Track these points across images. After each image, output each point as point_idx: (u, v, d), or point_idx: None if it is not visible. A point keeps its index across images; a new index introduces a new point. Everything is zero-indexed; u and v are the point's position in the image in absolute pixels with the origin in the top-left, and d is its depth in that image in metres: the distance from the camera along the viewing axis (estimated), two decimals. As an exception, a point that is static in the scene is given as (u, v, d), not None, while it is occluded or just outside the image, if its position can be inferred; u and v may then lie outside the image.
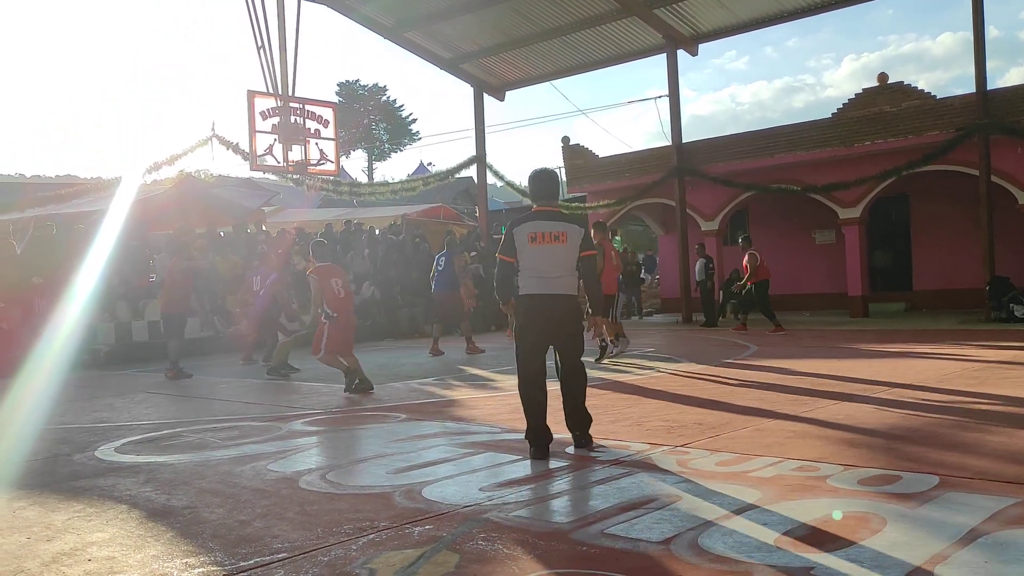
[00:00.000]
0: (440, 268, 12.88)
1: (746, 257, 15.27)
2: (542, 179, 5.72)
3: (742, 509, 3.93)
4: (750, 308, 15.73)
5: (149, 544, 3.84)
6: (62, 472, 5.55)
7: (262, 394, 9.55)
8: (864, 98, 18.01)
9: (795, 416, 6.40)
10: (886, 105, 17.51)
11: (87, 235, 15.07)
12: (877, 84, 18.01)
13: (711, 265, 18.31)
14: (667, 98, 20.37)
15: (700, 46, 20.25)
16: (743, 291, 15.58)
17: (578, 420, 5.56)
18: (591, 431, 5.61)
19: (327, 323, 8.87)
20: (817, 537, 3.48)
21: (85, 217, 16.66)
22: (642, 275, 24.74)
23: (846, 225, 18.61)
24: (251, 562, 3.49)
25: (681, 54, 20.05)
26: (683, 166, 20.03)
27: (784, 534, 3.52)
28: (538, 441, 5.38)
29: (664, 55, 20.05)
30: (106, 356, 14.23)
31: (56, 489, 5.04)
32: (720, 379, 8.96)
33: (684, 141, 20.36)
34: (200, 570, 3.42)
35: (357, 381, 8.86)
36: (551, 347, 5.51)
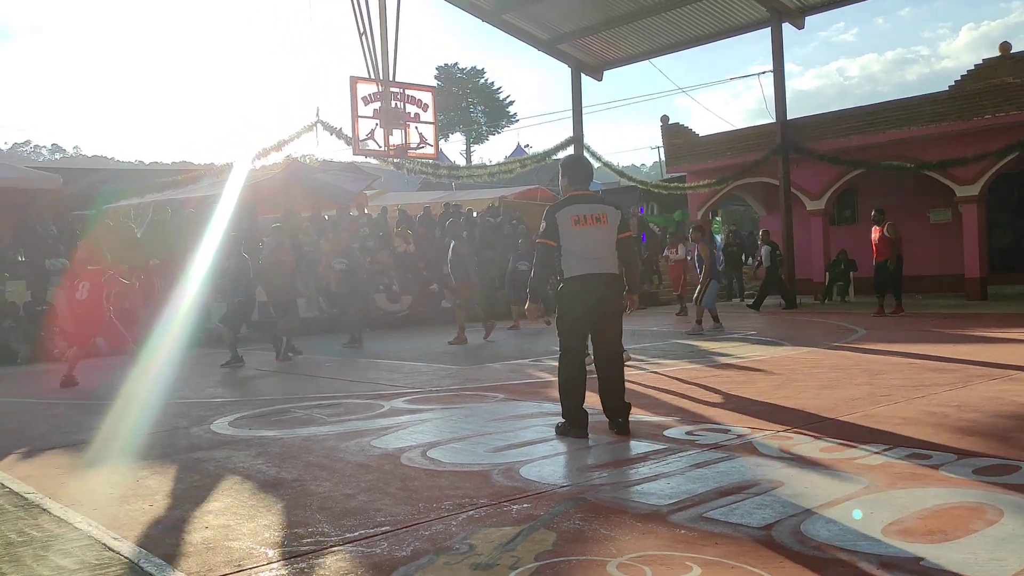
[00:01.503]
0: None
1: (885, 230, 14.07)
2: (577, 165, 5.89)
3: (848, 497, 3.82)
4: (899, 285, 14.46)
5: (261, 514, 4.02)
6: (181, 444, 5.86)
7: (365, 372, 9.82)
8: (984, 69, 17.03)
9: (905, 402, 6.16)
10: (1008, 76, 16.52)
11: (200, 219, 15.76)
12: (999, 54, 16.98)
13: (778, 251, 17.68)
14: (771, 74, 19.77)
15: (807, 18, 19.51)
16: (889, 266, 14.20)
17: (620, 405, 5.55)
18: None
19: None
20: (927, 528, 3.36)
21: (199, 202, 17.42)
22: (744, 257, 24.20)
23: (963, 203, 17.71)
24: (356, 534, 3.61)
25: (786, 27, 19.38)
26: (787, 144, 19.42)
27: (892, 524, 3.41)
28: (581, 421, 5.46)
29: (768, 29, 19.43)
30: (219, 335, 14.87)
31: (175, 460, 5.33)
32: (826, 363, 8.70)
33: (789, 118, 19.72)
34: (308, 540, 3.56)
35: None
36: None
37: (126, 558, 3.47)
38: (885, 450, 4.68)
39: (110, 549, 3.58)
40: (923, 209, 20.04)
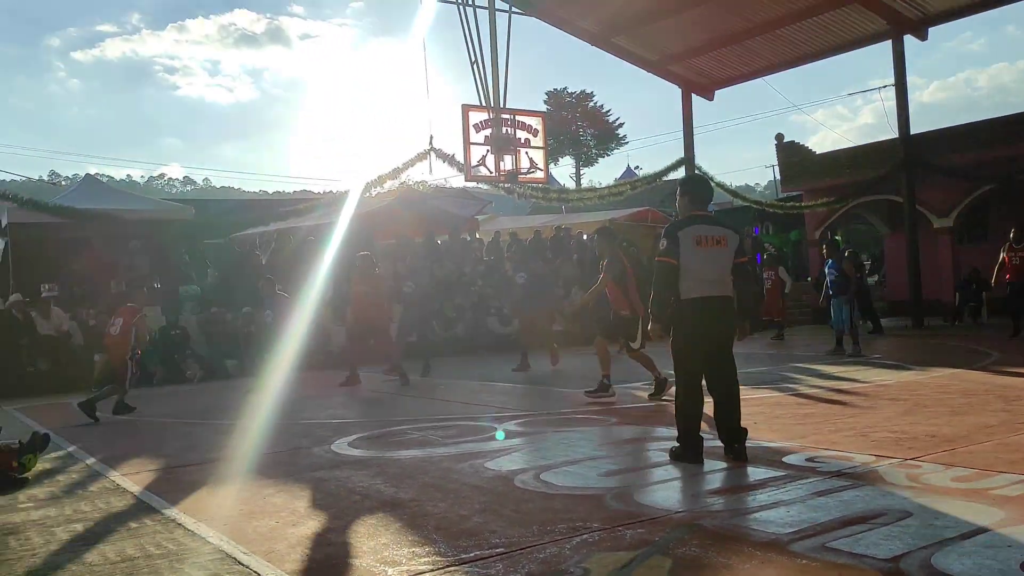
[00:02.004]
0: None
1: None
2: (699, 184, 5.88)
3: (982, 529, 3.62)
4: None
5: (380, 532, 4.13)
6: (303, 463, 6.08)
7: (479, 395, 9.94)
8: None
9: (1047, 431, 5.78)
10: None
11: (319, 245, 16.37)
12: None
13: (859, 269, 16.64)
14: (891, 87, 19.05)
15: (929, 29, 18.74)
16: None
17: (736, 430, 5.41)
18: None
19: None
20: (1074, 565, 3.14)
21: (320, 229, 18.11)
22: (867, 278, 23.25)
23: (1108, 218, 16.52)
24: (471, 555, 3.66)
25: (908, 40, 18.65)
26: (911, 159, 18.61)
27: (1033, 559, 3.21)
28: (697, 446, 5.35)
29: (888, 42, 18.74)
30: (337, 357, 15.36)
31: (298, 479, 5.54)
32: (956, 388, 8.25)
33: (912, 132, 18.92)
34: (425, 560, 3.64)
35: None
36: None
37: (255, 572, 3.63)
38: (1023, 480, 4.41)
39: (239, 563, 3.75)
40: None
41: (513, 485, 4.99)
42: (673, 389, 7.89)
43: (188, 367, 14.07)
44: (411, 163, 16.74)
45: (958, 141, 18.39)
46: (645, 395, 8.97)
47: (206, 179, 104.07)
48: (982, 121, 18.63)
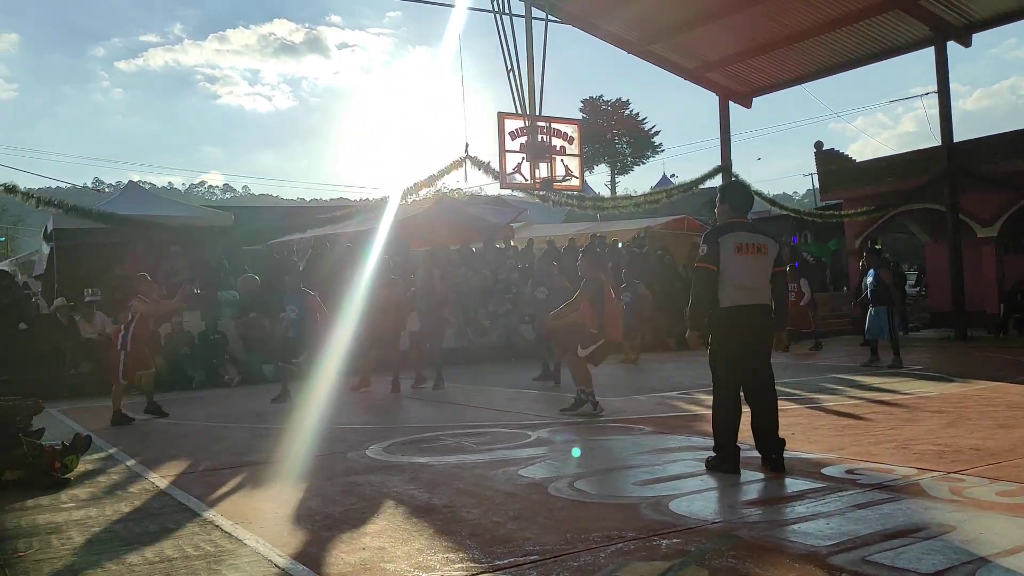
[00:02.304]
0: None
1: None
2: (740, 191, 5.82)
3: (1030, 546, 3.53)
4: None
5: (414, 538, 4.14)
6: (339, 468, 6.12)
7: (512, 402, 9.93)
8: None
9: (1096, 446, 5.63)
10: None
11: (356, 252, 16.50)
12: None
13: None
14: (934, 95, 18.73)
15: (973, 36, 18.41)
16: None
17: (774, 441, 5.34)
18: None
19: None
20: (1126, 584, 3.05)
21: (356, 236, 18.25)
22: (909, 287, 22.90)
23: None
24: (505, 561, 3.65)
25: (951, 46, 18.34)
26: (954, 167, 18.28)
27: (1083, 577, 3.12)
28: (734, 456, 5.29)
29: (931, 49, 18.45)
30: (375, 363, 15.43)
31: (334, 483, 5.57)
32: (1001, 401, 8.07)
33: (955, 140, 18.59)
34: (459, 565, 3.64)
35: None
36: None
37: (291, 574, 3.65)
38: (1073, 497, 4.29)
39: (276, 566, 3.78)
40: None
41: (547, 493, 4.98)
42: (583, 408, 7.90)
43: (226, 371, 14.24)
44: (447, 171, 16.81)
45: (1003, 149, 18.03)
46: (680, 404, 8.90)
47: (245, 187, 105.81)
48: (1025, 129, 18.25)
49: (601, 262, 8.44)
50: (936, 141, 18.94)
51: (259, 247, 19.26)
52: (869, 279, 12.30)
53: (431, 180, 16.67)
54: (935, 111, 18.72)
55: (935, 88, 18.68)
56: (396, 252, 17.19)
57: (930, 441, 6.07)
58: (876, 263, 12.40)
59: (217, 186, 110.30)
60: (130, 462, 6.83)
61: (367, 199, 20.87)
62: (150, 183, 67.92)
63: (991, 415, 7.18)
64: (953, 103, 18.71)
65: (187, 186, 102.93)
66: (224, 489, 5.59)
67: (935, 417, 7.20)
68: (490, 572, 3.53)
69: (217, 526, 4.55)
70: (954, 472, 5.00)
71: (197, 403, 11.55)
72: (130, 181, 23.96)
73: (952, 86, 18.75)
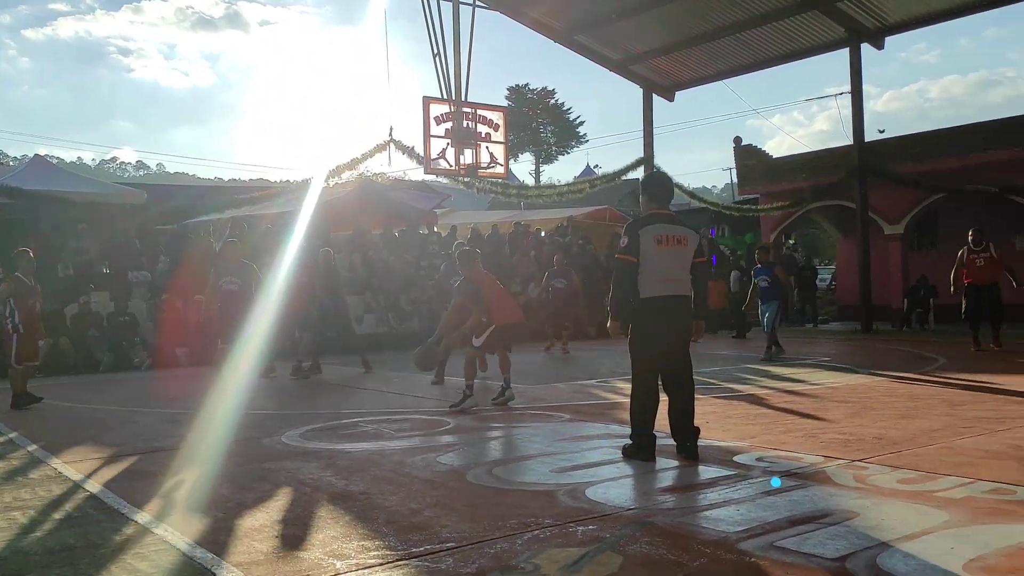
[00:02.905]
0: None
1: (993, 250, 12.52)
2: (660, 183, 5.81)
3: (927, 531, 3.68)
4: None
5: (329, 525, 4.08)
6: (253, 454, 5.98)
7: (433, 389, 9.89)
8: (1076, 90, 16.38)
9: (988, 435, 5.92)
10: (1103, 97, 15.84)
11: (276, 234, 16.15)
12: (1091, 75, 16.33)
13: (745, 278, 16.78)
14: (848, 95, 19.39)
15: (887, 39, 19.11)
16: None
17: (688, 429, 5.46)
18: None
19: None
20: (1012, 566, 3.22)
21: (275, 218, 17.87)
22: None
23: (1051, 229, 17.02)
24: (422, 549, 3.63)
25: (865, 48, 19.00)
26: (865, 166, 18.97)
27: (974, 560, 3.28)
28: (650, 444, 5.38)
29: (846, 50, 19.07)
30: (292, 347, 15.16)
31: (248, 470, 5.45)
32: (903, 392, 8.42)
33: (866, 140, 19.28)
34: (375, 553, 3.60)
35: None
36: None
37: (200, 564, 3.55)
38: (967, 483, 4.50)
39: (184, 554, 3.67)
40: (1008, 235, 19.31)
41: (466, 480, 4.97)
42: (467, 403, 7.84)
43: (136, 354, 13.78)
44: (370, 154, 16.61)
45: (910, 150, 18.77)
46: (599, 392, 9.01)
47: (160, 164, 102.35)
48: (933, 131, 19.05)
49: (472, 257, 8.37)
50: (848, 140, 19.62)
51: (174, 227, 18.67)
52: (761, 278, 12.52)
53: (354, 163, 16.46)
54: (848, 111, 19.41)
55: (849, 88, 19.34)
56: (317, 236, 16.90)
57: (836, 430, 6.29)
58: (769, 262, 12.73)
59: (130, 163, 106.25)
60: (32, 447, 6.55)
61: (288, 180, 20.42)
62: (57, 157, 65.00)
63: (893, 406, 7.48)
64: (865, 104, 19.42)
65: (97, 161, 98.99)
66: (131, 475, 5.41)
67: (841, 407, 7.47)
68: (406, 559, 3.50)
69: (123, 514, 4.40)
70: (858, 460, 5.19)
71: (105, 387, 11.16)
72: (36, 155, 22.86)
73: (864, 87, 19.45)
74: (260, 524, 4.13)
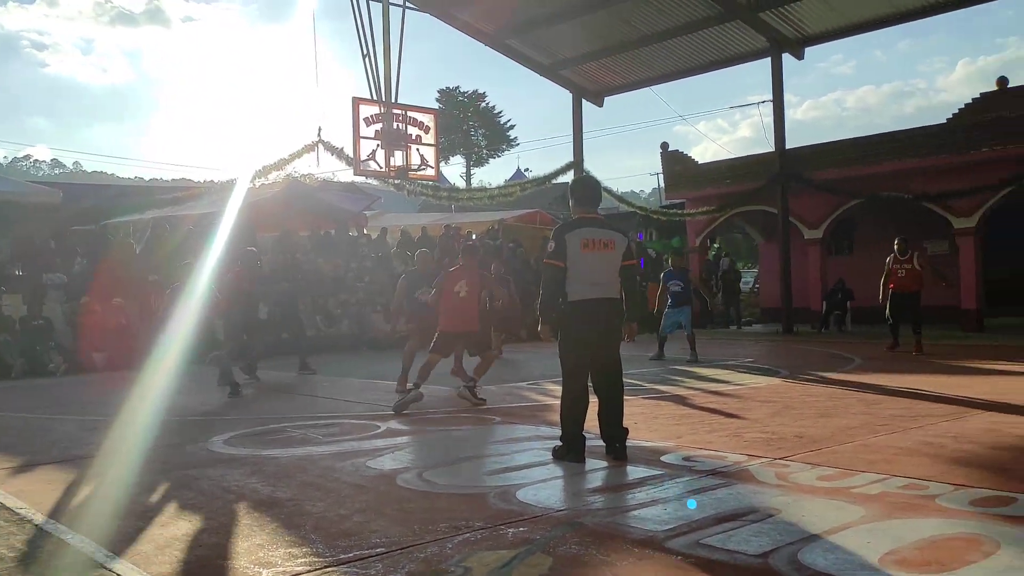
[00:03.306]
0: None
1: (915, 260, 12.93)
2: (587, 186, 5.84)
3: (845, 526, 3.81)
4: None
5: (255, 533, 4.00)
6: (176, 462, 5.83)
7: (362, 393, 9.79)
8: (981, 103, 17.18)
9: (902, 432, 6.16)
10: (1005, 111, 16.64)
11: (199, 236, 15.78)
12: (996, 88, 17.14)
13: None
14: (770, 103, 19.97)
15: (806, 50, 19.72)
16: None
17: (617, 430, 5.53)
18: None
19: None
20: (924, 558, 3.35)
21: (199, 219, 17.45)
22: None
23: (960, 235, 17.79)
24: (350, 555, 3.59)
25: (786, 58, 19.58)
26: (786, 172, 19.54)
27: (889, 553, 3.40)
28: (579, 445, 5.44)
29: (768, 59, 19.63)
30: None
31: (170, 478, 5.30)
32: (822, 392, 8.69)
33: (787, 147, 19.85)
34: (302, 560, 3.54)
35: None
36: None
37: (118, 575, 3.44)
38: (882, 479, 4.67)
39: (102, 566, 3.56)
40: (920, 240, 20.08)
41: (395, 484, 4.93)
42: (406, 398, 7.89)
43: (51, 359, 13.29)
44: (298, 154, 16.36)
45: (827, 157, 19.39)
46: (530, 394, 9.05)
47: (76, 163, 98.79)
48: (849, 140, 19.69)
49: (473, 252, 8.47)
50: (770, 147, 20.17)
51: (92, 227, 18.06)
52: (673, 282, 12.73)
53: (281, 164, 16.18)
54: (770, 119, 19.97)
55: (771, 97, 19.91)
56: (242, 237, 16.57)
57: (759, 429, 6.45)
58: (682, 268, 13.03)
59: (44, 161, 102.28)
60: (-64, 458, 6.24)
61: (212, 181, 19.96)
62: (-34, 154, 62.15)
63: (813, 405, 7.72)
64: (786, 112, 20.01)
65: (9, 159, 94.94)
66: (46, 485, 5.21)
67: (764, 407, 7.67)
68: (334, 566, 3.46)
69: (37, 525, 4.23)
70: (780, 458, 5.33)
71: (17, 393, 10.72)
72: (-58, 151, 21.81)
73: (785, 96, 20.04)
74: (182, 533, 4.03)
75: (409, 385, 8.19)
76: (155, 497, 4.78)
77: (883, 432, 6.18)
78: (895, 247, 13.10)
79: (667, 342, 13.17)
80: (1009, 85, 17.01)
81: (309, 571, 3.41)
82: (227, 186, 16.56)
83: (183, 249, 15.28)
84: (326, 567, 3.45)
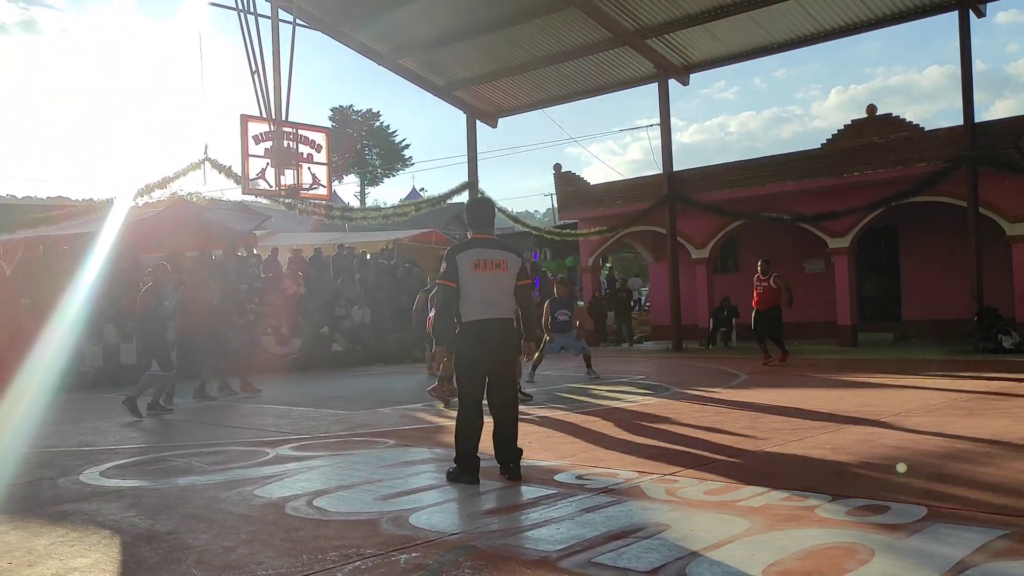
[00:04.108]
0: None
1: (772, 280, 13.96)
2: (480, 207, 5.86)
3: (731, 539, 3.91)
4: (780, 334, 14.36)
5: (131, 570, 3.80)
6: (45, 496, 5.49)
7: (250, 419, 9.49)
8: (853, 129, 18.20)
9: (783, 445, 6.39)
10: (875, 136, 17.69)
11: (76, 257, 15.02)
12: (866, 115, 18.20)
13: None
14: (658, 126, 20.57)
15: (691, 76, 20.48)
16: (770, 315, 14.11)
17: (511, 450, 5.55)
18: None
19: None
20: (804, 568, 3.47)
21: (76, 239, 16.62)
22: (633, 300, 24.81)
23: (835, 255, 18.73)
24: (235, 589, 3.45)
25: (672, 84, 20.26)
26: (674, 194, 20.17)
27: (772, 565, 3.51)
28: (473, 467, 5.42)
29: (655, 84, 20.26)
30: (93, 379, 14.13)
31: (39, 513, 4.98)
32: (710, 407, 8.95)
33: (675, 169, 20.50)
34: (183, 597, 3.38)
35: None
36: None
37: (-22, 623, 3.20)
38: (765, 492, 4.83)
39: (-40, 613, 3.30)
40: (799, 259, 21.07)
41: (284, 513, 4.78)
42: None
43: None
44: (183, 172, 15.84)
45: (712, 180, 20.13)
46: (424, 416, 8.97)
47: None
48: (732, 163, 20.51)
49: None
50: (659, 169, 20.78)
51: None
52: (561, 312, 12.83)
53: (165, 182, 15.61)
54: (658, 142, 20.58)
55: (659, 121, 20.52)
56: (123, 258, 15.91)
57: (649, 445, 6.58)
58: (570, 296, 13.27)
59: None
60: None
61: (91, 199, 19.04)
62: None
63: (700, 420, 7.93)
64: (673, 135, 20.69)
65: None
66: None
67: (654, 423, 7.83)
68: (217, 602, 3.32)
69: None
70: (669, 474, 5.45)
71: None
72: None
73: (672, 120, 20.71)
74: (53, 573, 3.78)
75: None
76: (22, 535, 4.48)
77: (766, 445, 6.40)
78: (758, 267, 14.08)
79: (560, 362, 13.30)
80: (878, 112, 18.08)
81: (190, 608, 3.25)
82: (106, 205, 15.87)
83: (57, 271, 14.53)
84: (208, 603, 3.30)
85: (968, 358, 14.48)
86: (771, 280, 14.08)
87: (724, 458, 5.94)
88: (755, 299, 14.16)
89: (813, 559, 3.58)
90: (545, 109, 23.15)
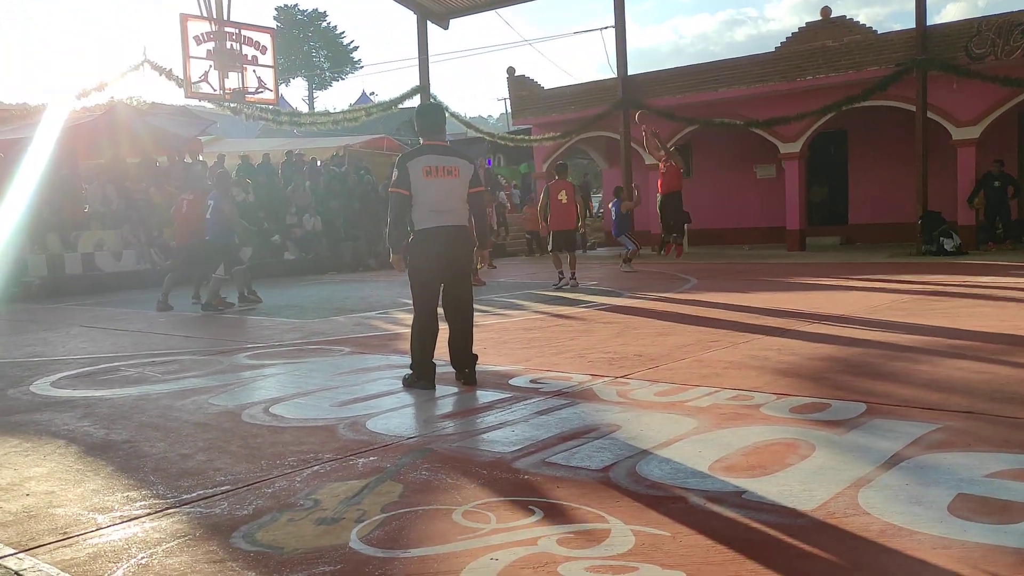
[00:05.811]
0: None
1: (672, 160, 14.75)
2: (430, 113, 5.75)
3: (679, 437, 4.05)
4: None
5: (88, 478, 3.81)
6: (-4, 408, 5.44)
7: (203, 328, 9.43)
8: (806, 33, 18.07)
9: (732, 347, 6.56)
10: (828, 40, 17.61)
11: (11, 164, 14.49)
12: (820, 18, 18.06)
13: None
14: (613, 29, 20.20)
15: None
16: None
17: (467, 356, 5.62)
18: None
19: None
20: (749, 463, 3.61)
21: (10, 145, 15.99)
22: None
23: (786, 160, 18.87)
24: (194, 495, 3.49)
25: (628, -17, 19.81)
26: (628, 99, 19.97)
27: (718, 461, 3.65)
28: (429, 373, 5.49)
29: (611, -15, 19.80)
30: (38, 289, 13.85)
31: (-10, 425, 4.94)
32: (660, 312, 9.11)
33: (629, 73, 20.24)
34: (141, 504, 3.41)
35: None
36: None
37: (-66, 533, 3.20)
38: (713, 392, 4.98)
39: (-85, 524, 3.29)
40: (751, 164, 21.20)
41: (240, 420, 4.81)
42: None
43: None
44: (121, 75, 15.21)
45: (666, 84, 19.95)
46: (379, 323, 9.00)
47: None
48: (687, 67, 20.31)
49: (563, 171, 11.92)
50: (614, 74, 20.50)
51: None
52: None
53: (102, 85, 14.99)
54: (613, 46, 20.25)
55: (613, 23, 20.14)
56: (62, 165, 15.39)
57: (602, 350, 6.71)
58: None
59: None
60: None
61: (25, 103, 18.25)
62: None
63: (652, 325, 8.09)
64: (629, 39, 20.34)
65: None
66: None
67: (606, 328, 7.97)
68: (176, 507, 3.35)
69: None
70: (621, 377, 5.58)
71: None
72: None
73: (628, 24, 20.32)
74: (8, 483, 3.78)
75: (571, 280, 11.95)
76: (-27, 447, 4.45)
77: (715, 348, 6.57)
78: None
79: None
80: (832, 15, 17.95)
81: (149, 514, 3.29)
82: (40, 109, 15.23)
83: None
84: (168, 508, 3.34)
85: (911, 260, 14.89)
86: (672, 160, 14.59)
87: (673, 361, 6.09)
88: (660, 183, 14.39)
89: (757, 455, 3.73)
90: (498, 10, 22.53)
